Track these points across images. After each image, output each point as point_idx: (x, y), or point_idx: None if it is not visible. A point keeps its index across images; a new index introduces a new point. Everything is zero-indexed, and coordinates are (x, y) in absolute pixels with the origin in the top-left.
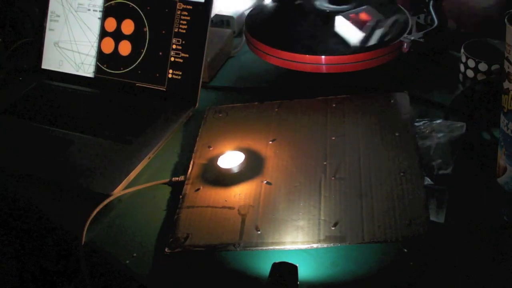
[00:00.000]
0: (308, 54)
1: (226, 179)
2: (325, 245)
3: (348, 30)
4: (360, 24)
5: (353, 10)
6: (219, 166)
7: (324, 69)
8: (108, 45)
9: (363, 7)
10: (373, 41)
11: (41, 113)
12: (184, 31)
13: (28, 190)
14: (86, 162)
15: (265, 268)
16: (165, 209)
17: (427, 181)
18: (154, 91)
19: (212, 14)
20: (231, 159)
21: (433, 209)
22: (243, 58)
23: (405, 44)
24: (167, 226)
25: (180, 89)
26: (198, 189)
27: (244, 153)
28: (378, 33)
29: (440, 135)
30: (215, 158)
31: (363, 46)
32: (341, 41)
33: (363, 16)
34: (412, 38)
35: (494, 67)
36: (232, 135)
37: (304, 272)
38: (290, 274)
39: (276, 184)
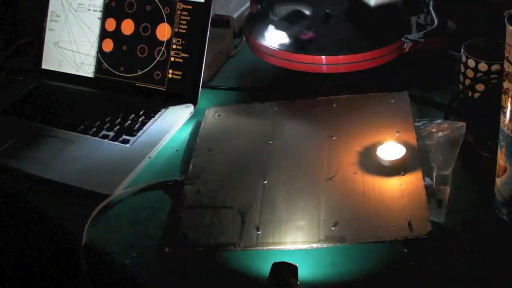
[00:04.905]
0: (308, 54)
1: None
2: (325, 245)
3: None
4: None
5: None
6: (379, 157)
7: (324, 69)
8: (108, 45)
9: None
10: None
11: (41, 113)
12: (184, 31)
13: (28, 190)
14: (86, 162)
15: (265, 268)
16: (165, 209)
17: (427, 181)
18: (154, 91)
19: (212, 14)
20: (391, 151)
21: (433, 209)
22: (243, 58)
23: (405, 44)
24: (167, 226)
25: (180, 89)
26: (198, 189)
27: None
28: None
29: (440, 135)
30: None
31: None
32: (341, 41)
33: None
34: (412, 38)
35: (494, 67)
36: (232, 135)
37: (304, 272)
38: (290, 274)
39: (276, 184)
